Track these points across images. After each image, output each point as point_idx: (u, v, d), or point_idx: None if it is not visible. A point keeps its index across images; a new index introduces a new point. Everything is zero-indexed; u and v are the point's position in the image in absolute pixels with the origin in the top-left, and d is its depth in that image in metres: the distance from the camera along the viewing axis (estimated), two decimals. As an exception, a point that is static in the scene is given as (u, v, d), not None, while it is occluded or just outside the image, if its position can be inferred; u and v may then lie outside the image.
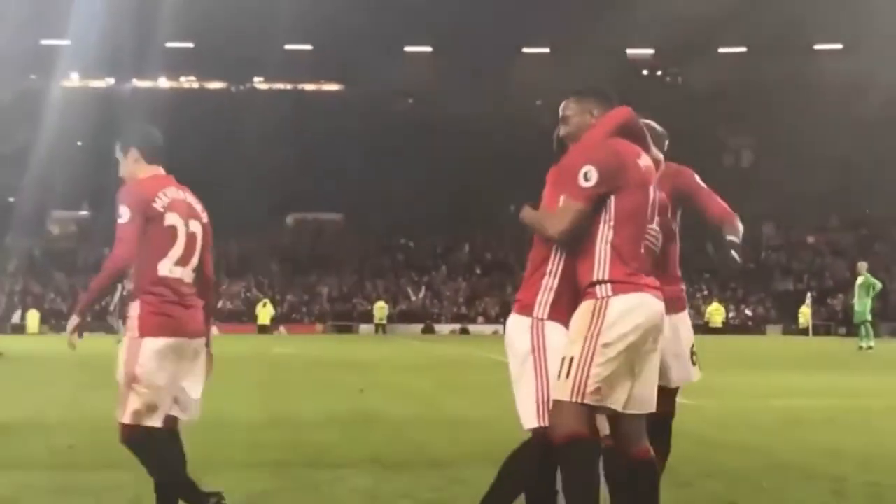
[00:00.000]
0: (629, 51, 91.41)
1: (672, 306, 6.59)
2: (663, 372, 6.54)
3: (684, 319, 7.01)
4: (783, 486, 8.63)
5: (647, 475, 6.16)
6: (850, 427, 13.02)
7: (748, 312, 72.37)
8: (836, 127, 75.40)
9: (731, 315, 69.01)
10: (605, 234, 5.88)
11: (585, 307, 5.80)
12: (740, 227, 7.15)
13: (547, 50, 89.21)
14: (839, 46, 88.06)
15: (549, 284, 6.08)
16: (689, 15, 71.81)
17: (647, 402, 5.94)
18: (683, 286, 7.11)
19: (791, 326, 66.06)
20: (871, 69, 77.47)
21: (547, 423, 5.82)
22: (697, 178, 7.23)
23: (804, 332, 62.07)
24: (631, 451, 6.10)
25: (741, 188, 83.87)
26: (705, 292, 72.26)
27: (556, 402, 5.74)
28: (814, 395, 17.88)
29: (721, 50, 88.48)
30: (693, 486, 8.62)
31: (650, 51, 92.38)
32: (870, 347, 36.21)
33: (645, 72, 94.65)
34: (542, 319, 6.00)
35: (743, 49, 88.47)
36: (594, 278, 5.83)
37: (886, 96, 73.37)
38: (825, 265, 76.17)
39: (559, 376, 5.72)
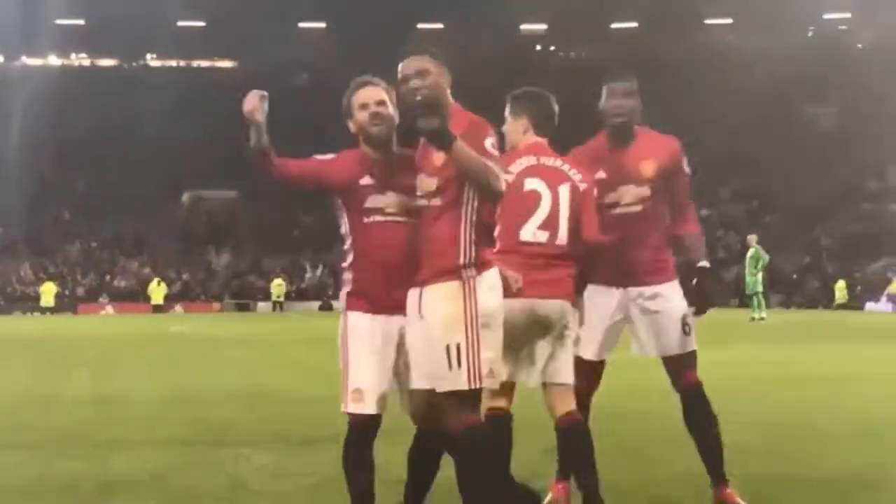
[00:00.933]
0: (522, 26, 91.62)
1: (655, 276, 6.73)
2: (650, 341, 6.81)
3: (669, 289, 6.87)
4: (680, 455, 8.74)
5: (572, 440, 6.23)
6: (745, 396, 13.23)
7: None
8: (727, 100, 76.31)
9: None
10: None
11: (454, 288, 5.59)
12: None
13: (441, 25, 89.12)
14: (729, 21, 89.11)
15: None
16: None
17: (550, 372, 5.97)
18: (668, 255, 6.93)
19: (685, 299, 66.76)
20: (759, 43, 78.62)
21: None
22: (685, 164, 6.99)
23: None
24: (555, 420, 6.22)
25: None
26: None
27: (453, 393, 5.53)
28: (709, 366, 18.07)
29: (613, 25, 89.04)
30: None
31: (543, 26, 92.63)
32: (762, 318, 36.80)
33: (538, 47, 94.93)
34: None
35: (635, 24, 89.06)
36: (461, 261, 5.63)
37: (774, 69, 74.51)
38: (717, 238, 77.06)
39: (449, 366, 5.50)
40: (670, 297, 6.80)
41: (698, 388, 6.77)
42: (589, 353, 6.83)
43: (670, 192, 6.77)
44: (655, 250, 6.74)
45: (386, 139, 5.97)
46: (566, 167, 6.53)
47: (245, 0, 76.32)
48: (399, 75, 5.92)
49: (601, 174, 6.65)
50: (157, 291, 63.20)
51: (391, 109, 5.98)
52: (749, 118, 76.91)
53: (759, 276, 37.80)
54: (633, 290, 6.75)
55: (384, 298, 5.82)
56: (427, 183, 5.71)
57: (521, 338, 6.25)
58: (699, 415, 6.75)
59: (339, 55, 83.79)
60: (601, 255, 6.54)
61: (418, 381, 5.77)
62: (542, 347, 6.38)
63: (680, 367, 6.79)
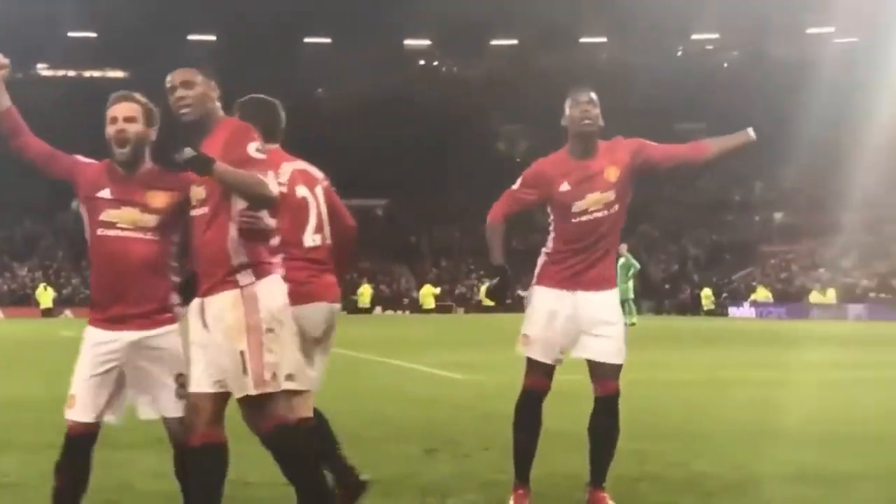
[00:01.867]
0: (406, 42, 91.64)
1: (604, 284, 6.81)
2: (585, 345, 6.79)
3: (613, 298, 6.92)
4: (554, 456, 8.77)
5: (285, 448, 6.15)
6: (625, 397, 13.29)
7: (521, 293, 73.26)
8: (602, 115, 77.09)
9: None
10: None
11: (232, 297, 5.44)
12: None
13: (328, 40, 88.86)
14: (604, 40, 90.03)
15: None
16: (463, 8, 72.51)
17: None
18: (614, 264, 7.04)
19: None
20: (631, 61, 79.56)
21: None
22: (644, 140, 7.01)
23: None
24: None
25: (516, 174, 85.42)
26: (482, 272, 73.04)
27: (247, 399, 5.41)
28: (578, 370, 18.20)
29: (493, 42, 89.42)
30: (472, 457, 8.70)
31: (427, 42, 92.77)
32: (633, 324, 37.12)
33: (422, 62, 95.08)
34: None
35: (514, 41, 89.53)
36: (234, 267, 5.48)
37: (646, 86, 75.42)
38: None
39: (238, 373, 5.39)
40: (617, 307, 6.92)
41: (617, 396, 6.81)
42: (544, 357, 6.92)
43: (655, 162, 6.89)
44: (610, 257, 6.87)
45: (128, 157, 5.78)
46: (311, 168, 6.62)
47: (135, 12, 75.36)
48: (167, 85, 5.81)
49: (566, 186, 6.77)
50: (45, 296, 62.17)
51: (139, 126, 5.79)
52: (622, 132, 77.66)
53: (630, 283, 38.20)
54: (583, 295, 6.78)
55: (112, 311, 5.64)
56: (196, 192, 5.57)
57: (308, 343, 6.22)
58: (608, 422, 6.81)
59: (228, 67, 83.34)
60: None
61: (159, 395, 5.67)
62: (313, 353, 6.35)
63: (611, 374, 6.81)
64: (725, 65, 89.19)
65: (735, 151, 6.99)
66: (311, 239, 6.34)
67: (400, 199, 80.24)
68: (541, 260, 7.03)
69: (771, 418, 11.32)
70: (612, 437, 6.79)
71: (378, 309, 65.67)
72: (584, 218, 6.72)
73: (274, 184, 5.57)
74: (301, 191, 6.38)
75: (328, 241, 6.46)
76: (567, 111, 6.84)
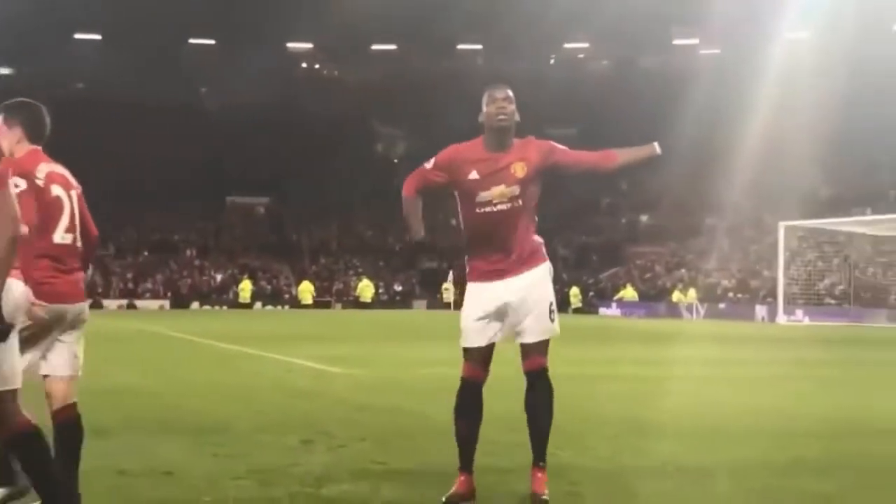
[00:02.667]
0: (289, 45, 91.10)
1: (526, 265, 6.77)
2: (514, 326, 6.77)
3: (540, 275, 6.85)
4: (428, 447, 8.77)
5: (64, 437, 6.06)
6: (490, 392, 13.33)
7: (397, 288, 73.32)
8: (473, 118, 77.56)
9: (380, 291, 69.82)
10: None
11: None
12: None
13: (213, 41, 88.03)
14: (479, 47, 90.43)
15: None
16: (346, 14, 72.33)
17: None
18: (537, 245, 6.94)
19: (435, 301, 67.42)
20: (506, 68, 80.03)
21: None
22: (555, 143, 6.99)
23: (447, 306, 63.49)
24: (52, 410, 6.25)
25: (393, 175, 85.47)
26: (359, 269, 72.95)
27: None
28: (456, 364, 18.24)
29: (374, 47, 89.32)
30: (348, 447, 8.66)
31: (309, 45, 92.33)
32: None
33: (304, 65, 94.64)
34: None
35: (394, 46, 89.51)
36: None
37: (520, 93, 75.80)
38: (461, 249, 78.05)
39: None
40: (538, 284, 6.82)
41: (544, 371, 6.84)
42: (477, 342, 6.90)
43: (564, 166, 6.89)
44: (524, 242, 6.81)
45: None
46: (68, 174, 6.48)
47: (21, 10, 73.81)
48: None
49: (474, 175, 6.83)
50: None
51: None
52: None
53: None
54: (506, 282, 6.76)
55: None
56: None
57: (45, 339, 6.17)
58: (537, 398, 6.88)
59: (114, 66, 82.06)
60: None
61: None
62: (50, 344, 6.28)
63: (536, 351, 6.81)
64: (596, 72, 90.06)
65: (640, 163, 7.05)
66: (60, 237, 6.26)
67: (281, 197, 79.80)
68: (466, 258, 7.02)
69: (635, 412, 11.44)
70: (544, 413, 6.85)
71: (258, 304, 65.23)
72: (487, 209, 6.77)
73: (14, 184, 5.40)
74: (56, 190, 6.27)
75: (78, 244, 6.38)
76: (484, 107, 6.91)
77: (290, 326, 35.05)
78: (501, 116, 6.81)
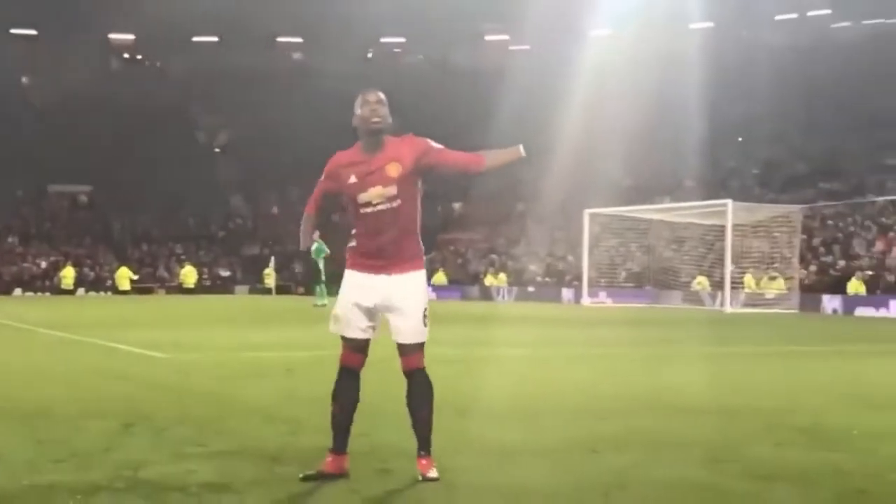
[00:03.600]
0: (111, 35, 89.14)
1: (403, 267, 6.83)
2: (389, 325, 6.86)
3: (414, 281, 6.92)
4: (246, 429, 8.75)
5: None
6: (306, 375, 13.36)
7: (222, 273, 72.45)
8: (294, 109, 77.45)
9: (204, 277, 69.00)
10: None
11: None
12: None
13: (34, 32, 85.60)
14: (299, 39, 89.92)
15: None
16: (167, 6, 71.29)
17: None
18: (416, 248, 6.99)
19: (257, 286, 66.95)
20: (324, 61, 79.97)
21: None
22: (431, 142, 7.00)
23: (268, 291, 63.14)
24: None
25: (215, 164, 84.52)
26: (182, 256, 71.93)
27: None
28: (275, 348, 18.22)
29: (195, 38, 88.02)
30: (168, 430, 8.59)
31: (131, 36, 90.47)
32: (324, 305, 37.32)
33: (126, 55, 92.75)
34: None
35: (215, 38, 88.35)
36: None
37: (339, 85, 76.02)
38: (286, 232, 77.69)
39: None
40: (414, 290, 6.88)
41: (420, 371, 6.98)
42: (353, 334, 6.92)
43: (436, 165, 6.95)
44: (403, 244, 6.84)
45: None
46: None
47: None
48: None
49: (353, 178, 6.81)
50: None
51: None
52: (313, 127, 78.40)
53: (322, 266, 38.54)
54: (386, 279, 6.81)
55: None
56: None
57: None
58: (415, 396, 7.00)
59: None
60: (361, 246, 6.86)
61: None
62: None
63: (411, 352, 6.92)
64: (411, 66, 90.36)
65: (506, 165, 7.20)
66: None
67: (104, 186, 78.10)
68: (349, 245, 7.02)
69: (444, 393, 11.57)
70: (421, 408, 6.97)
71: (81, 290, 63.83)
72: (368, 210, 6.78)
73: None
74: None
75: None
76: (357, 110, 6.92)
77: (112, 312, 34.41)
78: (375, 119, 6.86)
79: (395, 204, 6.75)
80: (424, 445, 6.87)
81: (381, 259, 6.82)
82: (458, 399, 10.51)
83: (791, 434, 8.76)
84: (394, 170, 6.77)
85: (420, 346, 6.95)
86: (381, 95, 7.01)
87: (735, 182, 60.67)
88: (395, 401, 10.46)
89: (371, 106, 6.90)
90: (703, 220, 45.55)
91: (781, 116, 63.39)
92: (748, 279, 44.10)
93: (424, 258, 7.05)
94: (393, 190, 6.74)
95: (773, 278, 43.73)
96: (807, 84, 65.06)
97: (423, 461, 6.78)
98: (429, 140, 6.98)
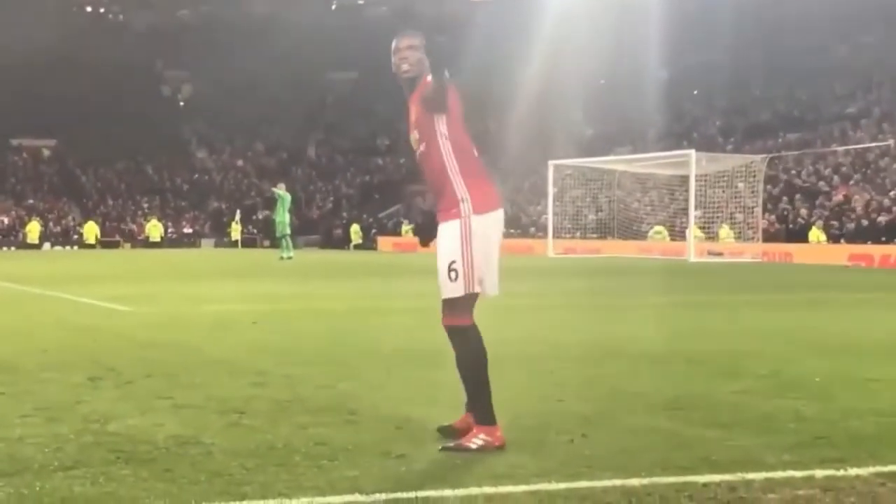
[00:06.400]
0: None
1: (440, 216, 6.39)
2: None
3: (443, 232, 6.38)
4: (213, 381, 8.75)
5: None
6: (271, 327, 13.37)
7: (187, 230, 72.13)
8: (257, 61, 77.19)
9: (170, 231, 68.75)
10: None
11: None
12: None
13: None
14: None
15: None
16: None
17: None
18: (450, 195, 6.35)
19: (223, 240, 66.79)
20: (288, 15, 79.50)
21: None
22: (430, 84, 6.46)
23: (234, 244, 63.01)
24: None
25: (179, 118, 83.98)
26: (147, 210, 71.61)
27: None
28: (241, 301, 18.21)
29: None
30: (134, 383, 8.57)
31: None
32: (290, 258, 37.25)
33: (89, 9, 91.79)
34: None
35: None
36: None
37: (300, 36, 75.82)
38: (251, 185, 77.44)
39: None
40: (443, 242, 6.34)
41: (453, 329, 6.32)
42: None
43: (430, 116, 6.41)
44: (439, 192, 6.37)
45: None
46: None
47: None
48: None
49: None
50: None
51: None
52: (273, 79, 78.19)
53: (287, 218, 38.33)
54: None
55: None
56: None
57: None
58: (455, 355, 6.34)
59: None
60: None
61: None
62: None
63: (442, 307, 6.41)
64: (375, 18, 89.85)
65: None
66: None
67: (68, 140, 77.55)
68: None
69: (405, 342, 11.63)
70: (458, 368, 6.32)
71: (47, 245, 63.53)
72: (416, 155, 6.53)
73: None
74: None
75: None
76: (392, 56, 6.53)
77: (77, 267, 34.26)
78: (404, 68, 6.46)
79: (421, 148, 6.41)
80: (468, 406, 6.37)
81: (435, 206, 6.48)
82: (419, 350, 10.56)
83: (753, 381, 8.84)
84: (413, 114, 6.50)
85: (446, 303, 6.35)
86: (413, 40, 6.50)
87: (697, 132, 60.74)
88: (358, 353, 10.52)
89: (401, 53, 6.48)
90: (666, 171, 45.70)
91: (742, 64, 63.39)
92: (724, 231, 44.21)
93: (463, 206, 6.29)
94: (416, 134, 6.47)
95: (734, 228, 44.00)
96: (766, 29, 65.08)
97: (460, 423, 6.37)
98: (432, 82, 6.41)
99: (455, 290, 6.25)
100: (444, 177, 6.33)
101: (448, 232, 6.31)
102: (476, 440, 6.08)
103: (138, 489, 5.19)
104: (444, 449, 6.05)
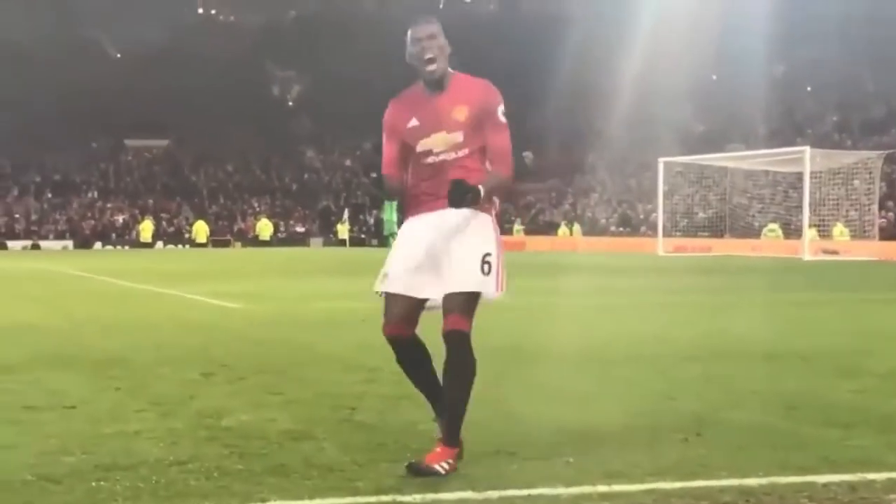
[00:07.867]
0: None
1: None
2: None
3: (476, 227, 5.80)
4: (323, 377, 8.79)
5: None
6: (379, 325, 13.35)
7: (298, 229, 72.79)
8: (365, 60, 77.55)
9: (280, 230, 69.50)
10: None
11: None
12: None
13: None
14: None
15: None
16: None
17: None
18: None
19: (331, 239, 67.28)
20: (396, 5, 79.85)
21: None
22: (501, 108, 5.83)
23: (342, 243, 63.43)
24: None
25: (288, 117, 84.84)
26: (258, 209, 72.45)
27: None
28: (350, 298, 18.28)
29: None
30: (246, 380, 8.64)
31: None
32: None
33: (200, 10, 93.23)
34: None
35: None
36: None
37: (404, 33, 75.86)
38: (359, 184, 77.92)
39: None
40: (469, 230, 5.72)
41: (453, 334, 5.79)
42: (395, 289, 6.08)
43: (483, 136, 5.78)
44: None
45: None
46: None
47: None
48: None
49: (415, 122, 5.82)
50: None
51: None
52: (392, 76, 78.32)
53: (395, 217, 38.38)
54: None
55: None
56: None
57: None
58: (449, 360, 5.85)
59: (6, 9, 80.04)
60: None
61: None
62: None
63: (459, 306, 5.75)
64: (482, 15, 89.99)
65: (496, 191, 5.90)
66: None
67: (180, 139, 78.84)
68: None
69: (519, 340, 11.55)
70: (453, 378, 5.86)
71: (159, 243, 64.63)
72: (430, 160, 5.77)
73: None
74: None
75: None
76: (408, 47, 5.86)
77: (189, 265, 34.77)
78: (428, 57, 5.74)
79: (459, 154, 5.72)
80: (447, 433, 5.72)
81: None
82: (530, 347, 10.49)
83: (871, 380, 8.65)
84: (461, 113, 5.74)
85: (468, 300, 5.79)
86: (433, 28, 5.81)
87: (812, 128, 59.77)
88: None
89: (422, 43, 5.77)
90: (779, 168, 45.03)
91: (854, 59, 62.24)
92: (838, 229, 43.42)
93: (493, 206, 5.85)
94: (459, 137, 5.74)
95: (849, 226, 43.20)
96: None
97: (439, 448, 5.60)
98: (502, 103, 5.82)
99: (487, 284, 5.71)
100: (474, 180, 5.60)
101: (480, 222, 5.76)
102: (444, 464, 5.49)
103: (251, 484, 5.23)
104: (409, 466, 5.49)
